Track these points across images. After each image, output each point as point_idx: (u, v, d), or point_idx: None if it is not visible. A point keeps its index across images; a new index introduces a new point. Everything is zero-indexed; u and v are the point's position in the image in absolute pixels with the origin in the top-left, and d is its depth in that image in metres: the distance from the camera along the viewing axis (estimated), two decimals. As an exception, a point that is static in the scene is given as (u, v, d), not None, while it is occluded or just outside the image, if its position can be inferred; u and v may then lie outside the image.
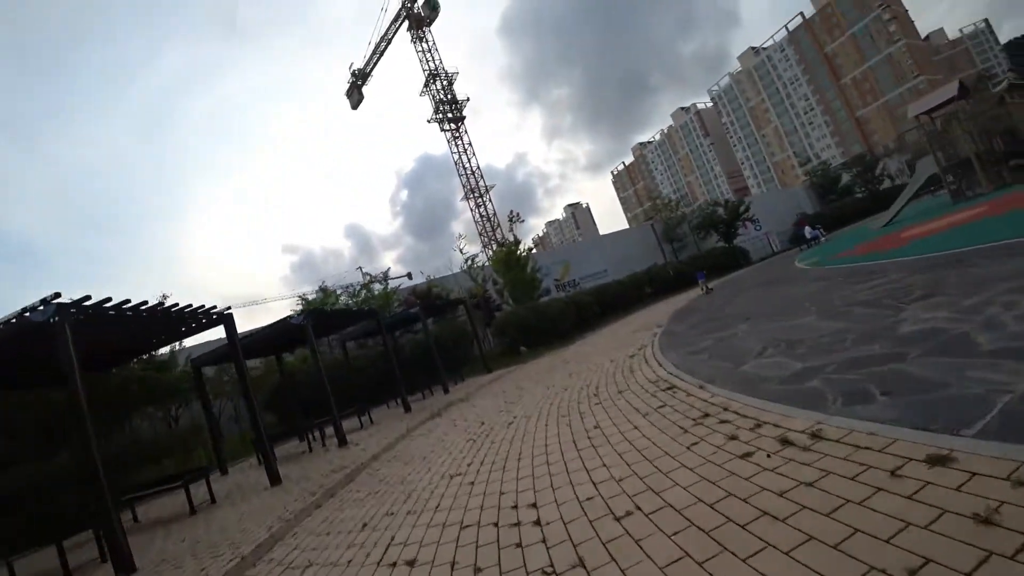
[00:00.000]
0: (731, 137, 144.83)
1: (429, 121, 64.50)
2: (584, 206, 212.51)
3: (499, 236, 55.64)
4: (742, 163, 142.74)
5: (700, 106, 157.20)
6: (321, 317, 12.16)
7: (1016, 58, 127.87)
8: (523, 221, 25.58)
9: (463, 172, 61.84)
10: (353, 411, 12.79)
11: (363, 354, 18.83)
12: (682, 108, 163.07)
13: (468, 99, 64.05)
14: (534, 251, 25.97)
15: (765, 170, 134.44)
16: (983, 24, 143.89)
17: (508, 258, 24.33)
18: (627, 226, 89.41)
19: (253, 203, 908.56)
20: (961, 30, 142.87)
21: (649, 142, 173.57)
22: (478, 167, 62.42)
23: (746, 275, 22.69)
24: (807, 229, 27.15)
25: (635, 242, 34.42)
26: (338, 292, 24.28)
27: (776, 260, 27.02)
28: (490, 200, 61.17)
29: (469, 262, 24.46)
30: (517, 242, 25.45)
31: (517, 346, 19.78)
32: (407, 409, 12.40)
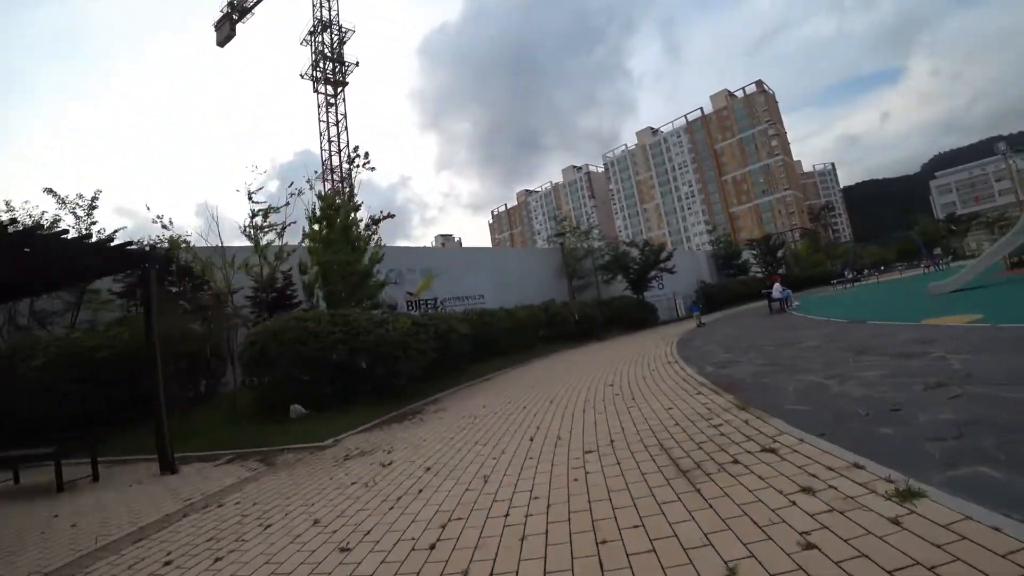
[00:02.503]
0: (614, 204, 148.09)
1: (303, 76, 51.95)
2: (456, 239, 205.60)
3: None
4: (620, 231, 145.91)
5: (592, 168, 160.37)
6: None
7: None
8: (373, 168, 14.01)
9: (327, 148, 49.87)
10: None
11: None
12: (574, 166, 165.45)
13: (357, 63, 52.65)
14: (380, 239, 15.25)
15: (641, 243, 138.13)
16: (830, 166, 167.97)
17: (331, 223, 13.74)
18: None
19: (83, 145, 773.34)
20: (814, 166, 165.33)
21: (535, 191, 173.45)
22: (347, 146, 50.68)
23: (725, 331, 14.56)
24: (776, 288, 20.31)
25: (530, 268, 25.59)
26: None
27: (720, 322, 19.86)
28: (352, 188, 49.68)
29: (256, 218, 13.14)
30: (351, 197, 14.79)
31: (286, 401, 9.13)
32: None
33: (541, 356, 16.86)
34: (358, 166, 14.57)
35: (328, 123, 50.50)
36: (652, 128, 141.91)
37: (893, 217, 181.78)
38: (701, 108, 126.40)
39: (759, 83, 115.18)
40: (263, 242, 13.28)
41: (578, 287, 25.88)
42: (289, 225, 13.77)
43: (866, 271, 46.53)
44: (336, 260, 13.43)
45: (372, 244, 14.18)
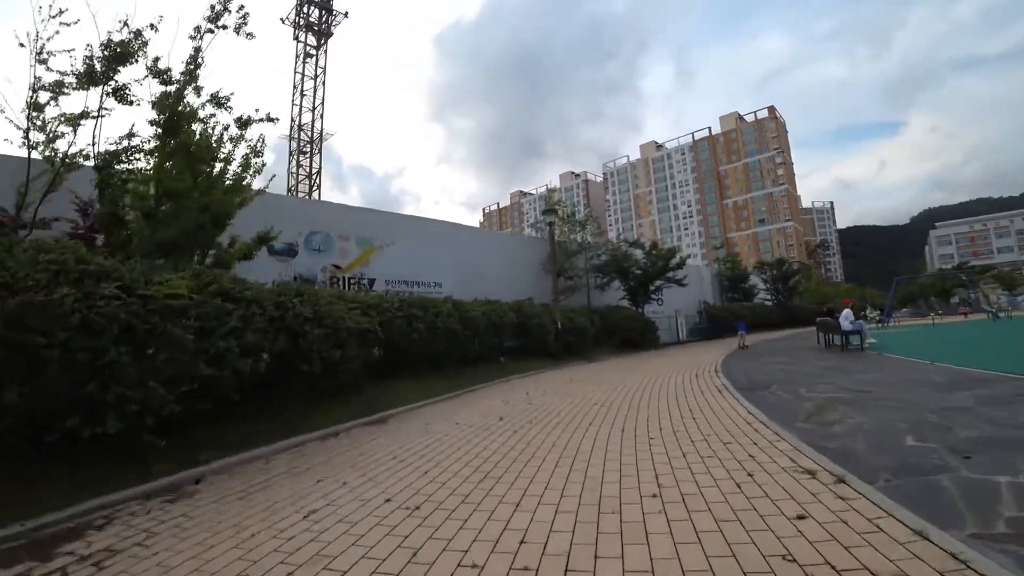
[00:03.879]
0: (610, 215, 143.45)
1: (283, 21, 45.80)
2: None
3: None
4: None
5: (590, 176, 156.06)
6: None
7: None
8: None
9: (298, 103, 43.81)
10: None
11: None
12: (572, 172, 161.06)
13: (346, 14, 46.58)
14: (259, 162, 9.07)
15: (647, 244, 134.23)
16: (829, 205, 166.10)
17: (173, 130, 7.93)
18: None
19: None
20: (813, 203, 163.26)
21: (530, 193, 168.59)
22: (323, 103, 44.58)
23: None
24: (847, 316, 14.68)
25: (508, 258, 19.88)
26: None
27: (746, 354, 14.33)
28: (317, 155, 43.64)
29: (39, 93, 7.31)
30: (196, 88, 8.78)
31: None
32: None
33: (501, 377, 11.31)
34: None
35: (303, 75, 44.42)
36: (657, 143, 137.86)
37: (882, 263, 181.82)
38: (709, 128, 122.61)
39: (771, 109, 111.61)
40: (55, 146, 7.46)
41: (565, 289, 20.35)
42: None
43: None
44: (176, 185, 7.66)
45: (237, 168, 8.36)
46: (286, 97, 45.58)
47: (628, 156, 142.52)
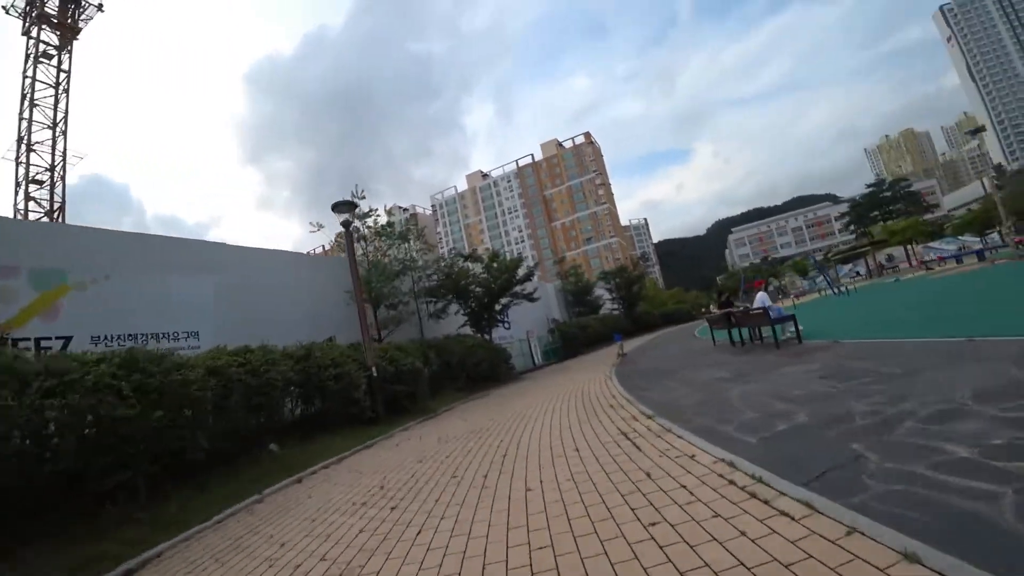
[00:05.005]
0: (443, 248, 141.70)
1: (7, 10, 34.67)
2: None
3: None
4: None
5: (419, 210, 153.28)
6: None
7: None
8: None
9: (27, 117, 33.24)
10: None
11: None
12: (399, 206, 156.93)
13: (100, 6, 36.84)
14: None
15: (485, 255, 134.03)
16: (644, 221, 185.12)
17: None
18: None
19: None
20: (630, 220, 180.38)
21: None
22: (66, 115, 34.48)
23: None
24: (762, 298, 11.49)
25: (306, 288, 14.62)
26: None
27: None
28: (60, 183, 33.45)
29: None
30: None
31: None
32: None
33: (267, 484, 6.49)
34: None
35: (34, 80, 33.93)
36: (483, 172, 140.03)
37: (692, 269, 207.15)
38: (532, 155, 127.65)
39: (587, 135, 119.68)
40: None
41: (389, 320, 15.76)
42: None
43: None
44: None
45: None
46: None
47: (456, 187, 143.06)
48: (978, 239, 49.13)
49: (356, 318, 15.13)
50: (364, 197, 16.74)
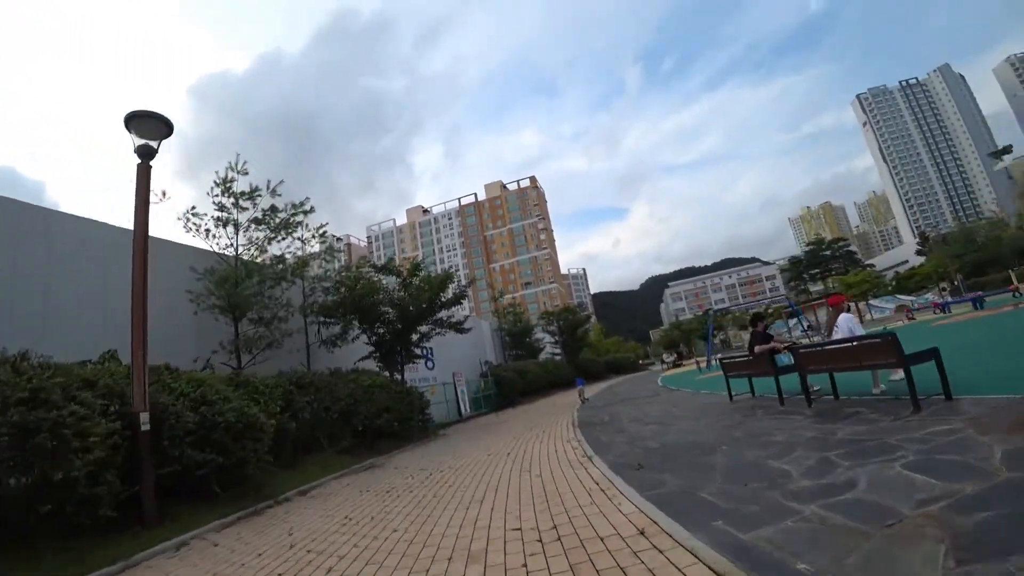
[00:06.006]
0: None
1: None
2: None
3: None
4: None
5: (354, 241, 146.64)
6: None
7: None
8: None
9: None
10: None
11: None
12: (336, 236, 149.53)
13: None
14: None
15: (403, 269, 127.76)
16: (582, 271, 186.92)
17: None
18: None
19: None
20: (569, 269, 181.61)
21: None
22: None
23: None
24: (848, 321, 6.73)
25: (115, 277, 9.51)
26: None
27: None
28: None
29: None
30: None
31: None
32: None
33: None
34: None
35: None
36: (424, 207, 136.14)
37: (626, 320, 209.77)
38: (475, 194, 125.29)
39: (533, 179, 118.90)
40: None
41: (253, 340, 10.72)
42: None
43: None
44: None
45: None
46: None
47: (395, 220, 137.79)
48: (911, 297, 50.22)
49: (206, 332, 10.11)
50: (247, 173, 11.95)
